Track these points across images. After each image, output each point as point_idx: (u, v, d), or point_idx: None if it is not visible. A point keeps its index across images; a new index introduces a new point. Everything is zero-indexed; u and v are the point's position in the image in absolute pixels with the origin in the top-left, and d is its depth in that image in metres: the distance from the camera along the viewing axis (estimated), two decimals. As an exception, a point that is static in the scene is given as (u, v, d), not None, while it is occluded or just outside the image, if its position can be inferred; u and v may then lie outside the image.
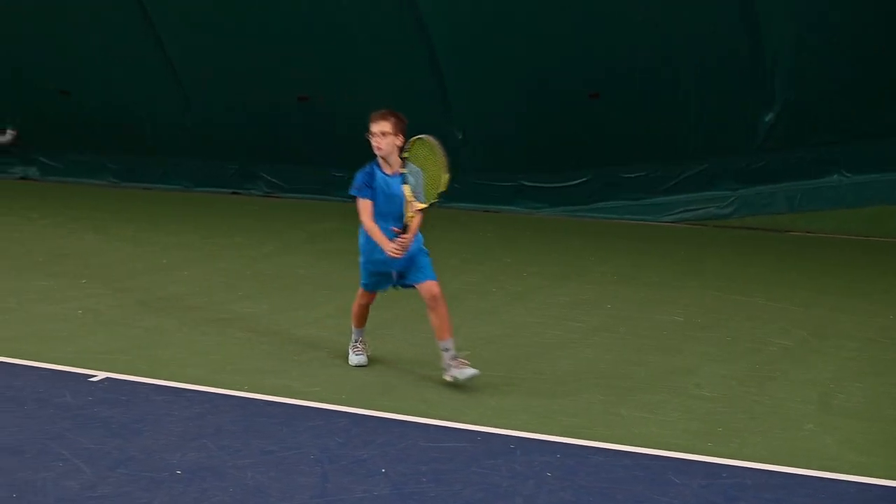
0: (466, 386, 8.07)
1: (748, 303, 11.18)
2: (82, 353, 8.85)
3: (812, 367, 8.86)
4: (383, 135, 8.07)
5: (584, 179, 16.84)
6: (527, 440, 6.99)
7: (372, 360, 8.84)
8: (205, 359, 8.83)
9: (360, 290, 8.64)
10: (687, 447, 6.94)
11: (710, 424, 7.41)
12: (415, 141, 8.11)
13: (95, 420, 7.26)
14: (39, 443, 6.82)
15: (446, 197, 17.96)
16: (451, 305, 10.70)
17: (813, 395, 8.08)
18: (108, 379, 8.17)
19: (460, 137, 16.68)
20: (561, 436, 7.11)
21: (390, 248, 7.98)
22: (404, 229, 8.04)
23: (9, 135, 20.93)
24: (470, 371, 7.97)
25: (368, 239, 8.27)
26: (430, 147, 8.07)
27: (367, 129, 8.17)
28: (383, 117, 8.11)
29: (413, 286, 8.29)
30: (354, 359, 8.71)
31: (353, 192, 8.29)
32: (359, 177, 8.24)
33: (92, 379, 8.16)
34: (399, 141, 8.10)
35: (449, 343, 8.11)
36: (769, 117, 15.41)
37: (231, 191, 19.29)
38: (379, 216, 8.19)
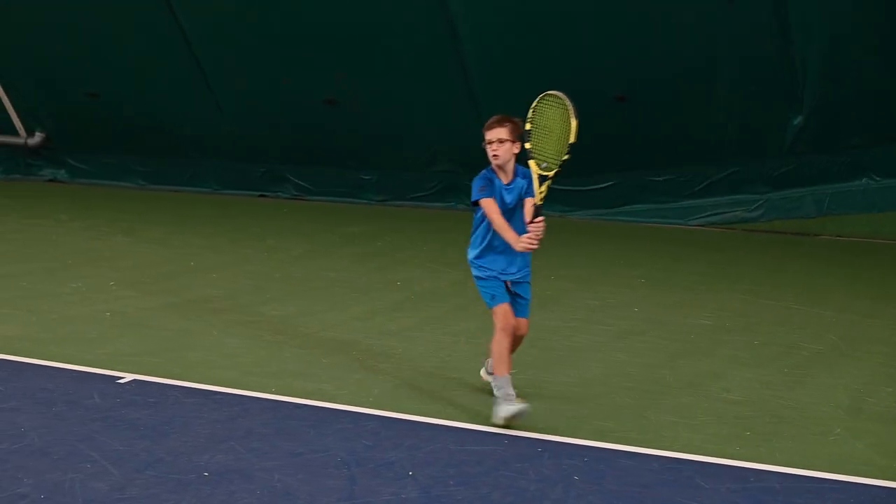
0: (492, 389, 8.07)
1: (778, 307, 11.13)
2: (111, 355, 8.87)
3: (842, 372, 8.81)
4: (500, 142, 7.39)
5: (611, 183, 16.84)
6: (555, 443, 6.97)
7: (400, 363, 8.82)
8: (234, 361, 8.83)
9: (497, 310, 7.46)
10: (715, 451, 6.91)
11: (738, 428, 7.38)
12: (539, 102, 7.49)
13: (124, 422, 7.28)
14: (68, 444, 6.84)
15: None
16: (482, 310, 10.75)
17: (843, 400, 8.04)
18: (135, 381, 8.18)
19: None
20: (589, 439, 7.09)
21: (524, 241, 7.20)
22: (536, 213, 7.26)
23: (38, 137, 21.07)
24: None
25: (483, 250, 7.54)
26: (555, 103, 7.40)
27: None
28: (499, 123, 7.44)
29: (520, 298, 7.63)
30: (510, 408, 7.22)
31: (476, 197, 7.46)
32: (477, 181, 7.48)
33: (120, 381, 8.17)
34: (516, 148, 7.45)
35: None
36: (798, 121, 15.36)
37: (259, 193, 19.36)
38: (482, 234, 7.56)
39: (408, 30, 16.51)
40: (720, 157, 16.09)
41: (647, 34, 15.25)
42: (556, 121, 7.37)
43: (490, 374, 7.79)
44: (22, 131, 21.20)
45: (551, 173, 7.28)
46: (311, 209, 18.07)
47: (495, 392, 7.36)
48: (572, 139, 7.23)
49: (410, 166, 18.08)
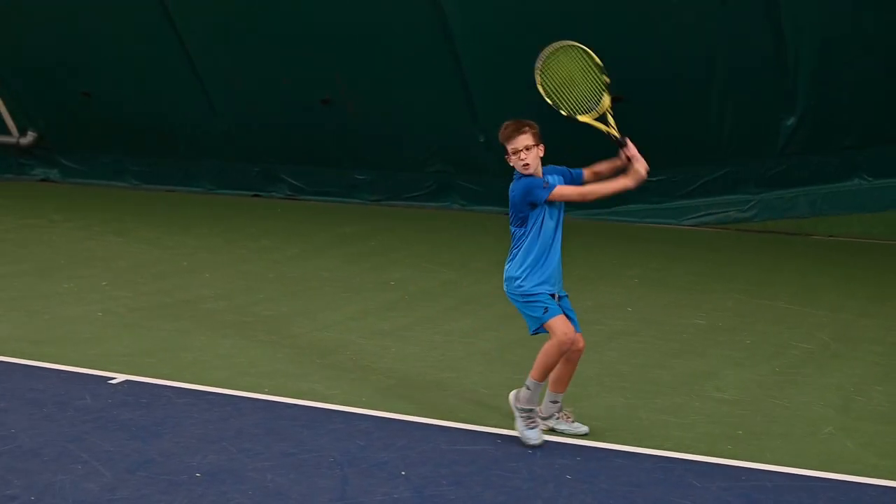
0: (485, 389, 8.09)
1: (772, 306, 11.14)
2: (103, 356, 8.87)
3: (834, 372, 8.81)
4: (527, 149, 6.86)
5: (605, 183, 16.82)
6: (547, 443, 6.97)
7: (392, 363, 8.83)
8: (227, 361, 8.83)
9: (556, 322, 6.88)
10: (707, 450, 6.92)
11: (730, 427, 7.38)
12: (541, 73, 7.19)
13: (115, 422, 7.27)
14: (59, 445, 6.83)
15: (471, 200, 18.01)
16: (475, 309, 10.78)
17: (834, 399, 8.04)
18: (127, 381, 8.18)
19: (482, 141, 16.70)
20: (582, 438, 7.09)
21: (644, 165, 7.17)
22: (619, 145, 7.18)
23: (30, 136, 21.04)
24: (581, 427, 7.23)
25: (531, 263, 6.90)
26: (555, 59, 7.14)
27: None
28: (520, 131, 6.89)
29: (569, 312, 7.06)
30: (532, 434, 6.97)
31: (541, 194, 6.87)
32: (530, 186, 6.87)
33: (112, 381, 8.17)
34: (542, 150, 6.98)
35: (560, 398, 7.26)
36: (791, 121, 15.36)
37: (252, 193, 19.34)
38: (529, 248, 6.94)
39: (403, 29, 16.48)
40: (714, 157, 16.09)
41: (642, 35, 15.24)
42: (568, 67, 7.19)
43: (520, 401, 7.09)
44: (14, 130, 21.15)
45: (606, 105, 7.18)
46: (306, 209, 18.06)
47: (520, 402, 6.97)
48: (597, 60, 7.14)
49: (405, 166, 18.06)
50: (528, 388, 6.94)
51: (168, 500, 5.99)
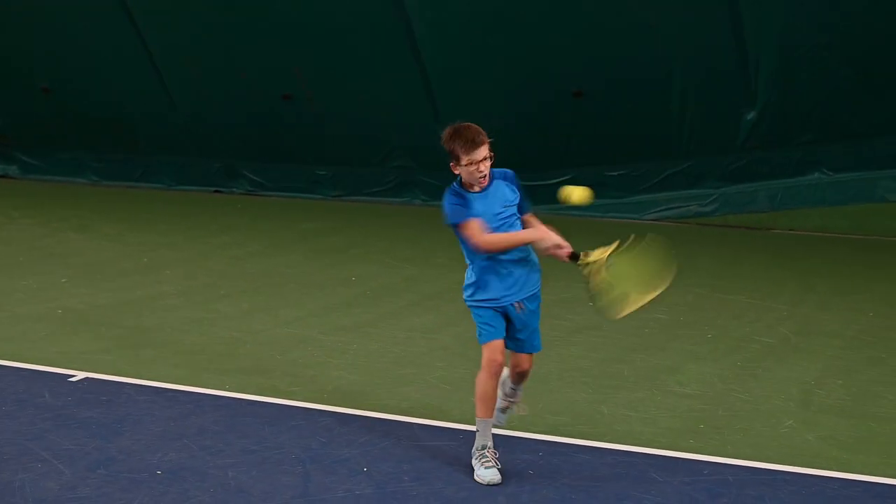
0: (447, 385, 8.09)
1: (732, 301, 11.18)
2: (63, 353, 8.81)
3: (795, 365, 8.86)
4: (484, 160, 6.41)
5: (567, 177, 16.81)
6: (509, 438, 6.97)
7: (354, 359, 8.81)
8: (188, 359, 8.79)
9: (489, 346, 6.43)
10: (669, 444, 6.94)
11: (692, 422, 7.41)
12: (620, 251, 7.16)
13: (75, 420, 7.22)
14: (18, 444, 6.78)
15: (432, 195, 17.97)
16: (437, 305, 10.77)
17: (795, 393, 8.08)
18: (87, 379, 8.13)
19: (444, 136, 16.70)
20: (544, 434, 7.10)
21: (553, 238, 6.75)
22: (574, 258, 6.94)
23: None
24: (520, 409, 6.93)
25: (483, 271, 6.53)
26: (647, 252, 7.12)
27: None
28: (481, 141, 6.40)
29: (517, 341, 6.64)
30: (486, 473, 6.33)
31: (452, 221, 6.39)
32: (449, 204, 6.38)
33: (71, 379, 8.11)
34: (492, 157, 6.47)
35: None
36: (751, 116, 15.42)
37: (213, 189, 19.25)
38: (476, 262, 6.55)
39: (365, 25, 16.46)
40: (675, 152, 16.13)
41: (602, 30, 15.27)
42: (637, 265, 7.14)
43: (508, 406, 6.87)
44: (-28, 127, 21.01)
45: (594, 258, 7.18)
46: (267, 205, 18.00)
47: (477, 437, 6.46)
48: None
49: (366, 162, 18.03)
50: (477, 429, 6.45)
51: (129, 499, 5.96)
